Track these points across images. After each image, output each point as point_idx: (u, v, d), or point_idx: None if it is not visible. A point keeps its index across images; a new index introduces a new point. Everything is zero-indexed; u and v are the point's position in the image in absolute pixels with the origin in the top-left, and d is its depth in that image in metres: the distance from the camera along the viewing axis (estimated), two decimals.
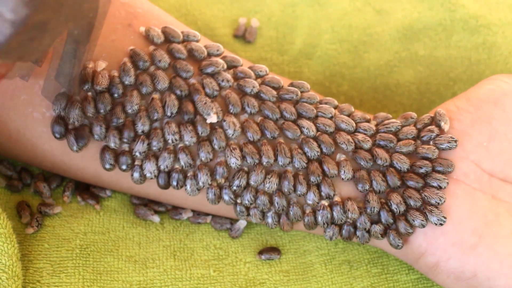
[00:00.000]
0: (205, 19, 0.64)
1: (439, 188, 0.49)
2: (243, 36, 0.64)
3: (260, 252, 0.53)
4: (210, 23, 0.64)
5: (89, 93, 0.48)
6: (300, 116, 0.50)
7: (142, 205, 0.54)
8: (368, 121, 0.51)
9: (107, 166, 0.49)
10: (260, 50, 0.64)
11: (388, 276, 0.53)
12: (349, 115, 0.51)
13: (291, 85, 0.52)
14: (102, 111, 0.47)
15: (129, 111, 0.47)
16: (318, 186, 0.49)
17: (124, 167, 0.49)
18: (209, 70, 0.49)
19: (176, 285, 0.50)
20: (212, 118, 0.47)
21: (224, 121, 0.48)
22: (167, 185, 0.49)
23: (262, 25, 0.64)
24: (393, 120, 0.51)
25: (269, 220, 0.50)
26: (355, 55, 0.64)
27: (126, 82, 0.48)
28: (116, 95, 0.48)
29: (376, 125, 0.51)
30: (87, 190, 0.54)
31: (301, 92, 0.51)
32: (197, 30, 0.62)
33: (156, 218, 0.54)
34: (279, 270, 0.52)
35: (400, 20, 0.65)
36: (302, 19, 0.65)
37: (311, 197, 0.49)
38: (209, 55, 0.50)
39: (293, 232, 0.55)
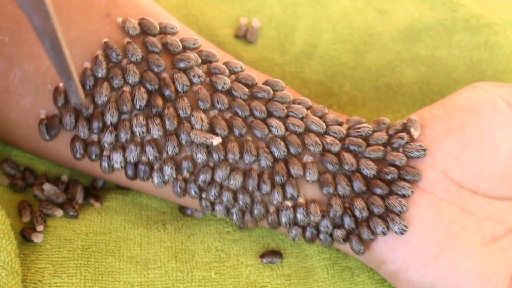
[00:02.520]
0: (206, 20, 0.64)
1: (404, 196, 0.48)
2: (244, 36, 0.64)
3: (262, 256, 0.53)
4: (211, 24, 0.64)
5: (60, 84, 0.48)
6: (270, 115, 0.50)
7: None
8: (340, 124, 0.51)
9: (77, 155, 0.49)
10: (261, 50, 0.64)
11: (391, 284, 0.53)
12: (321, 117, 0.51)
13: (266, 82, 0.52)
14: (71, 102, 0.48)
15: (99, 102, 0.48)
16: (282, 186, 0.49)
17: (93, 156, 0.49)
18: (181, 65, 0.49)
19: (178, 286, 0.50)
20: (216, 139, 0.48)
21: (192, 116, 0.48)
22: (134, 176, 0.50)
23: (263, 25, 0.64)
24: (365, 124, 0.51)
25: (234, 216, 0.51)
26: (356, 55, 0.64)
27: (98, 75, 0.48)
28: (87, 87, 0.48)
29: (348, 129, 0.51)
30: (88, 191, 0.55)
31: (275, 90, 0.51)
32: (198, 31, 0.62)
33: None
34: (280, 273, 0.52)
35: (402, 20, 0.65)
36: (303, 19, 0.65)
37: (275, 197, 0.49)
38: (185, 48, 0.50)
39: None
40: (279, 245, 0.54)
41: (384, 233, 0.48)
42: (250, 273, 0.52)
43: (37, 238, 0.50)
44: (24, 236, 0.50)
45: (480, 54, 0.64)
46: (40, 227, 0.51)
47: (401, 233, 0.48)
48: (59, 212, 0.52)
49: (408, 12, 0.65)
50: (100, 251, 0.51)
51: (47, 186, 0.53)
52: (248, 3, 0.65)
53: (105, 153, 0.49)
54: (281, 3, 0.65)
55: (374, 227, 0.48)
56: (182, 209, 0.56)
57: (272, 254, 0.53)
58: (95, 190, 0.56)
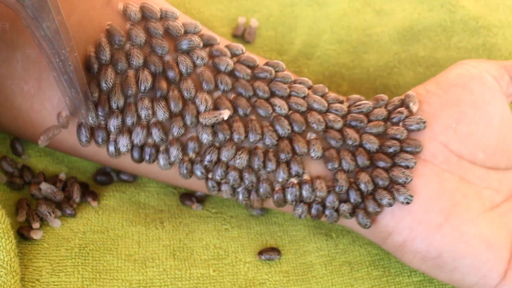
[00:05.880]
0: (204, 19, 0.64)
1: (407, 167, 0.49)
2: (242, 36, 0.64)
3: (260, 252, 0.53)
4: (209, 23, 0.64)
5: None
6: (273, 94, 0.51)
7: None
8: (341, 102, 0.52)
9: (83, 140, 0.49)
10: (259, 50, 0.64)
11: (389, 279, 0.53)
12: (322, 96, 0.52)
13: (267, 64, 0.52)
14: None
15: (104, 87, 0.48)
16: (287, 163, 0.50)
17: (100, 141, 0.49)
18: (184, 46, 0.50)
19: (176, 284, 0.50)
20: (226, 113, 0.48)
21: (197, 97, 0.49)
22: (141, 159, 0.50)
23: (261, 25, 0.64)
24: (365, 101, 0.52)
25: (240, 196, 0.51)
26: (354, 55, 0.64)
27: (102, 59, 0.48)
28: (91, 71, 0.48)
29: (349, 107, 0.52)
30: (86, 189, 0.55)
31: (276, 71, 0.52)
32: None
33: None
34: (279, 270, 0.52)
35: (400, 21, 0.65)
36: (301, 19, 0.65)
37: (281, 174, 0.50)
38: (187, 33, 0.51)
39: (293, 232, 0.55)
40: (277, 242, 0.54)
41: (390, 204, 0.49)
42: (249, 270, 0.52)
43: (37, 235, 0.50)
44: (22, 234, 0.50)
45: (478, 55, 0.64)
46: (36, 225, 0.51)
47: (407, 203, 0.49)
48: (57, 223, 0.52)
49: (406, 13, 0.65)
50: (98, 249, 0.51)
51: (44, 186, 0.53)
52: (245, 2, 0.65)
53: (112, 137, 0.49)
54: (278, 3, 0.65)
55: (380, 199, 0.49)
56: (182, 200, 0.56)
57: (270, 251, 0.53)
58: (94, 185, 0.55)
